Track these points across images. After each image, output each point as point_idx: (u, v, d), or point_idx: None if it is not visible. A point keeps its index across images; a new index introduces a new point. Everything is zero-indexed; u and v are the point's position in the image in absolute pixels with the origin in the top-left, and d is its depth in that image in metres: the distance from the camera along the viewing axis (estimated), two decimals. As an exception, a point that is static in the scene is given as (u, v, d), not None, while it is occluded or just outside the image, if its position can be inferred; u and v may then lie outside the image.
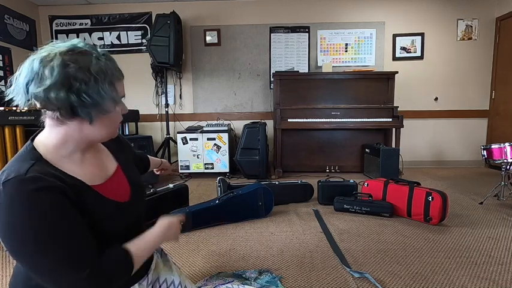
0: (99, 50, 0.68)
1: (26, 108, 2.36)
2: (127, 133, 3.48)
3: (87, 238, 0.62)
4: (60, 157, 0.67)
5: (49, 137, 0.67)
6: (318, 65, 3.96)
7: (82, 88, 0.61)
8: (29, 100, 0.62)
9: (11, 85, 0.63)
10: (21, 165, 0.60)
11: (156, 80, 4.01)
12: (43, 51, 0.62)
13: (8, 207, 0.55)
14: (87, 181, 0.69)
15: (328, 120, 3.38)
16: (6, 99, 0.65)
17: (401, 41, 3.92)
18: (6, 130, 2.20)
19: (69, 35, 4.04)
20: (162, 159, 1.38)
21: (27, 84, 0.61)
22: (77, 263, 0.59)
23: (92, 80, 0.62)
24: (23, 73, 0.62)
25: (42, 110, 0.65)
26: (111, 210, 0.72)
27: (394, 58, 3.94)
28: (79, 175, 0.68)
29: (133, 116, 3.50)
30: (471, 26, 3.86)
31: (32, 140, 0.68)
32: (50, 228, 0.57)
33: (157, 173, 1.37)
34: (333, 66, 3.79)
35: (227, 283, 1.13)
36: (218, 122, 3.97)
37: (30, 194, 0.56)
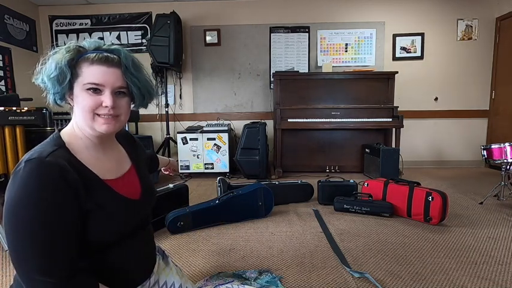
0: (95, 41, 0.72)
1: (26, 108, 2.37)
2: (127, 133, 3.48)
3: (72, 249, 0.63)
4: (80, 148, 0.71)
5: (70, 126, 0.74)
6: (318, 65, 3.96)
7: (42, 69, 0.69)
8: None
9: None
10: (45, 148, 0.65)
11: (156, 80, 4.00)
12: None
13: (23, 183, 0.59)
14: (100, 175, 0.72)
15: (328, 120, 3.38)
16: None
17: (401, 41, 3.92)
18: (6, 130, 2.20)
19: (69, 35, 4.04)
20: (170, 159, 1.41)
21: None
22: (49, 264, 0.59)
23: (48, 60, 0.68)
24: None
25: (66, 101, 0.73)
26: (121, 205, 0.74)
27: (394, 58, 3.94)
28: (94, 168, 0.71)
29: (134, 116, 3.50)
30: (471, 26, 3.86)
31: (60, 130, 0.74)
32: (46, 219, 0.59)
33: (166, 172, 1.41)
34: (333, 66, 3.79)
35: (227, 283, 1.13)
36: (218, 122, 3.98)
37: (44, 177, 0.60)
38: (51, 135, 0.71)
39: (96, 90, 0.68)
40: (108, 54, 0.70)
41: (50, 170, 0.60)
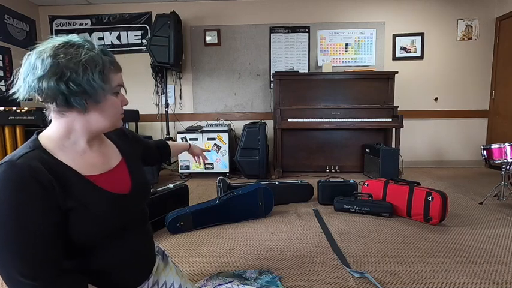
0: (96, 44, 0.71)
1: (26, 108, 2.37)
2: (127, 133, 3.48)
3: (53, 250, 0.62)
4: (61, 147, 0.70)
5: (52, 129, 0.70)
6: (318, 65, 3.96)
7: (71, 77, 0.63)
8: (28, 93, 0.65)
9: (15, 80, 0.66)
10: (19, 151, 0.64)
11: (156, 80, 4.01)
12: (41, 46, 0.66)
13: None
14: (82, 171, 0.70)
15: (328, 120, 3.38)
16: (11, 92, 0.68)
17: (401, 41, 3.92)
18: (6, 130, 2.20)
19: (69, 35, 4.02)
20: (191, 143, 1.45)
21: (26, 77, 0.64)
22: (29, 266, 0.58)
23: (81, 69, 0.64)
24: (23, 67, 0.66)
25: (45, 104, 0.68)
26: (106, 200, 0.71)
27: (394, 58, 3.94)
28: (75, 165, 0.69)
29: (134, 116, 3.50)
30: (471, 26, 3.86)
31: (38, 134, 0.72)
32: (20, 220, 0.58)
33: (196, 159, 1.48)
34: (333, 66, 3.79)
35: (227, 283, 1.13)
36: (218, 122, 3.98)
37: (14, 179, 0.59)
38: (30, 138, 0.70)
39: (117, 92, 0.75)
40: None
41: (19, 172, 0.59)
